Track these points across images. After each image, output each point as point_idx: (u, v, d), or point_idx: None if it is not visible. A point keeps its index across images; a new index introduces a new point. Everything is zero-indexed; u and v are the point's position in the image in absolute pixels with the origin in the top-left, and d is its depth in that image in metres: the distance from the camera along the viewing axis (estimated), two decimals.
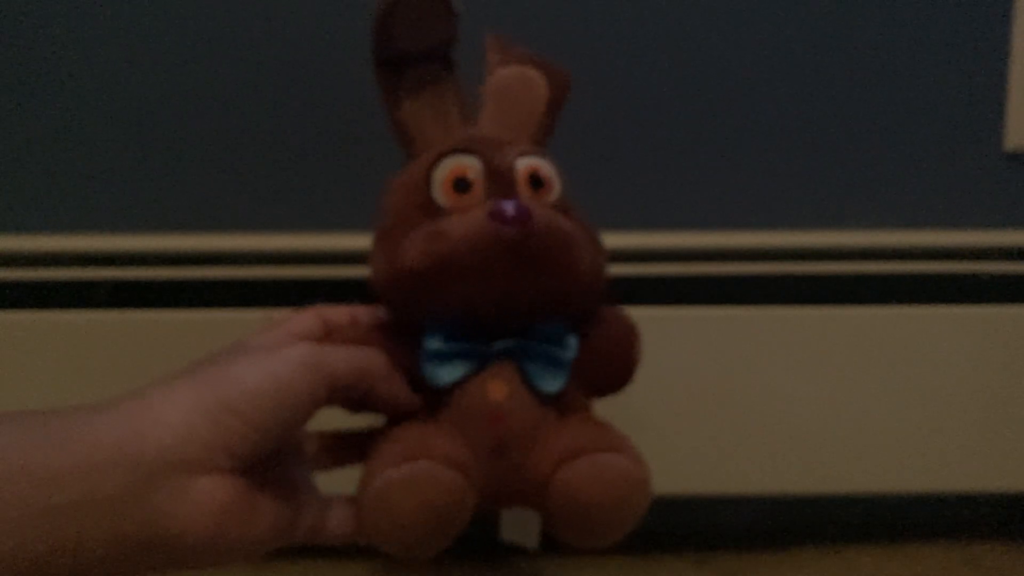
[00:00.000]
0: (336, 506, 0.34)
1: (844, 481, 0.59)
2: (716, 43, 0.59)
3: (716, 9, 0.59)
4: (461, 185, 0.34)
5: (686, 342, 0.57)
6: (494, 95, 0.37)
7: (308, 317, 0.35)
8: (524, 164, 0.35)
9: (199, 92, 0.58)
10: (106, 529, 0.27)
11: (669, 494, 0.51)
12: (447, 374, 0.33)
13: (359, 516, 0.32)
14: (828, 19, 0.59)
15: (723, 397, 0.58)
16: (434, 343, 0.33)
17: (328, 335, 0.35)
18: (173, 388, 0.29)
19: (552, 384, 0.34)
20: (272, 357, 0.30)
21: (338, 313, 0.36)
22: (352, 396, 0.33)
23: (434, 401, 0.34)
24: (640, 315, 0.37)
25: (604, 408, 0.37)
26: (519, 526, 0.50)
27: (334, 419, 0.35)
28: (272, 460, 0.31)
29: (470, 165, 0.34)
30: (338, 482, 0.35)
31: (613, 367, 0.36)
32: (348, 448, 0.36)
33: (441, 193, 0.34)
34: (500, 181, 0.34)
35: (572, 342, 0.34)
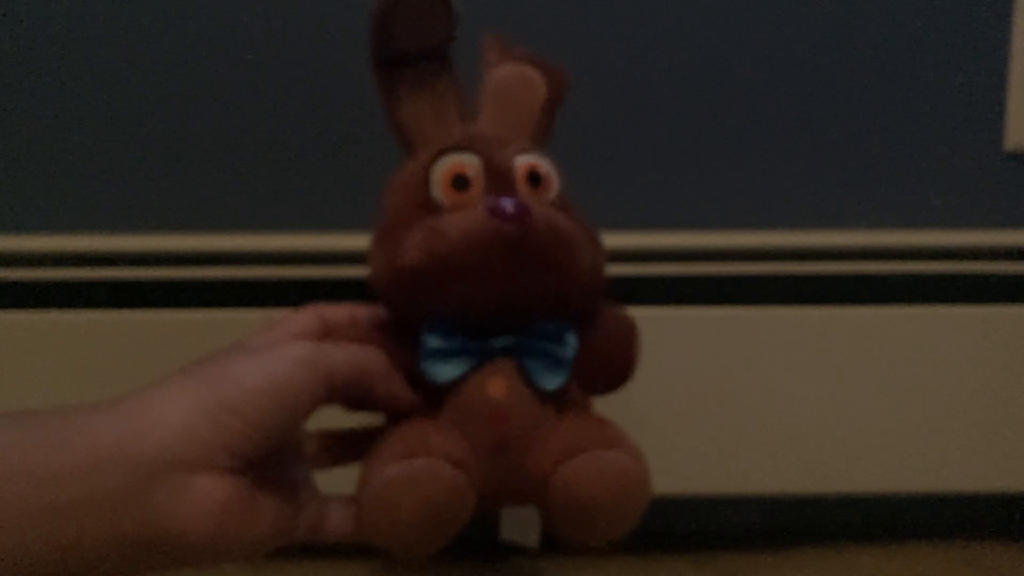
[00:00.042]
0: (336, 505, 0.34)
1: (844, 481, 0.59)
2: (716, 43, 0.59)
3: (716, 9, 0.59)
4: (460, 183, 0.34)
5: (686, 342, 0.57)
6: (493, 94, 0.37)
7: (307, 316, 0.35)
8: (523, 162, 0.35)
9: (199, 92, 0.58)
10: (106, 529, 0.27)
11: (669, 494, 0.51)
12: (447, 372, 0.33)
13: (359, 515, 0.32)
14: (828, 19, 0.59)
15: (723, 397, 0.58)
16: (434, 341, 0.33)
17: (327, 334, 0.35)
18: (173, 388, 0.29)
19: (552, 382, 0.34)
20: (271, 356, 0.30)
21: (337, 312, 0.36)
22: (352, 395, 0.32)
23: (434, 399, 0.34)
24: (640, 315, 0.37)
25: (604, 407, 0.37)
26: (519, 525, 0.50)
27: (334, 419, 0.35)
28: (272, 459, 0.31)
29: (469, 163, 0.34)
30: (338, 482, 0.35)
31: (613, 365, 0.36)
32: (348, 447, 0.36)
33: (440, 191, 0.34)
34: (499, 179, 0.34)
35: (572, 340, 0.34)
